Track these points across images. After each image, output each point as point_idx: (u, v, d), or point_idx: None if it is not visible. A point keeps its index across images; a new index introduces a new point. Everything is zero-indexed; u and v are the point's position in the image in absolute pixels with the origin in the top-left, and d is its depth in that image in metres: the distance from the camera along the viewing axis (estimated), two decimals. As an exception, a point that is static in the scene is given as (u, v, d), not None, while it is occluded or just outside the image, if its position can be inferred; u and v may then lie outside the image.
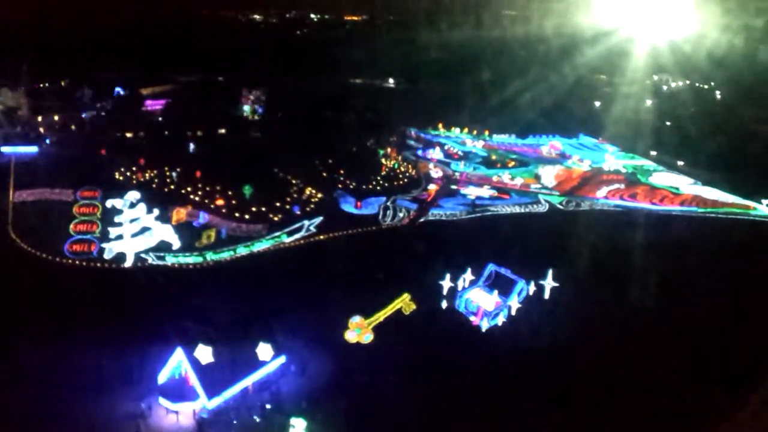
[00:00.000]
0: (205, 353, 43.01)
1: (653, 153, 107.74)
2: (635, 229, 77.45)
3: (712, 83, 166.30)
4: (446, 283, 60.39)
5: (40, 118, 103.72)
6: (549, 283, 60.89)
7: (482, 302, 57.74)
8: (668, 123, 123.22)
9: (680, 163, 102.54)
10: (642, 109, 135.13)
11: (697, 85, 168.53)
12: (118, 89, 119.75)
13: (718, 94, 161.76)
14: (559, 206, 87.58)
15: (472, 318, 57.26)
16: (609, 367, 49.85)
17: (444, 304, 58.95)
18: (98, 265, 63.21)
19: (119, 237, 66.58)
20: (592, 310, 58.09)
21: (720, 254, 72.19)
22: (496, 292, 58.33)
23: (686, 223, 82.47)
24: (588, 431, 42.47)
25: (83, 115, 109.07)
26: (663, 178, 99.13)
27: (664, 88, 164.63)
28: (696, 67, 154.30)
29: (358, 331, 53.15)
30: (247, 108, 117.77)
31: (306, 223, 74.07)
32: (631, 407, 44.62)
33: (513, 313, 57.89)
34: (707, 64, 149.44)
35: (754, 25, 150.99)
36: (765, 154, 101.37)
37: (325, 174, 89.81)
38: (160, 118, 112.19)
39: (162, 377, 44.38)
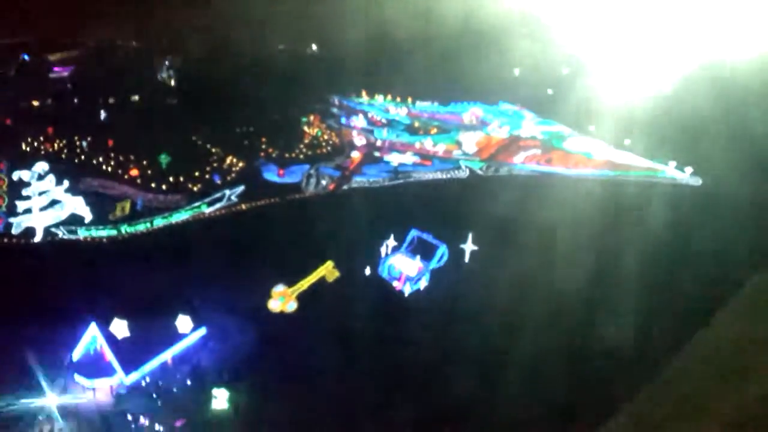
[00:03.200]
0: (120, 327, 42.05)
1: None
2: (549, 193, 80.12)
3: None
4: (369, 250, 61.04)
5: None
6: (469, 246, 62.48)
7: (405, 268, 58.81)
8: (583, 88, 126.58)
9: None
10: (559, 75, 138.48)
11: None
12: (23, 55, 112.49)
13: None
14: (479, 172, 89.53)
15: (395, 283, 58.26)
16: (524, 325, 51.75)
17: (367, 271, 59.64)
18: (5, 240, 60.32)
19: (27, 211, 63.53)
20: (510, 271, 59.85)
21: (629, 216, 75.60)
22: (418, 257, 59.51)
23: (597, 186, 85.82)
24: (509, 391, 43.81)
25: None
26: (577, 143, 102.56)
27: (580, 56, 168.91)
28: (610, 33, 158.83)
29: (282, 299, 53.22)
30: (161, 73, 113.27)
31: (227, 192, 72.66)
32: (550, 368, 46.61)
33: (435, 277, 59.31)
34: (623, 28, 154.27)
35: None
36: (671, 118, 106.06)
37: (246, 142, 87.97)
38: (68, 85, 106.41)
39: (76, 354, 43.19)
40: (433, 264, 59.52)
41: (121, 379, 41.52)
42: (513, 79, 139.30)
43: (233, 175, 77.67)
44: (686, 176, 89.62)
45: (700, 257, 63.42)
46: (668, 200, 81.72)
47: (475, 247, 62.39)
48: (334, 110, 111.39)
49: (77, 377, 41.87)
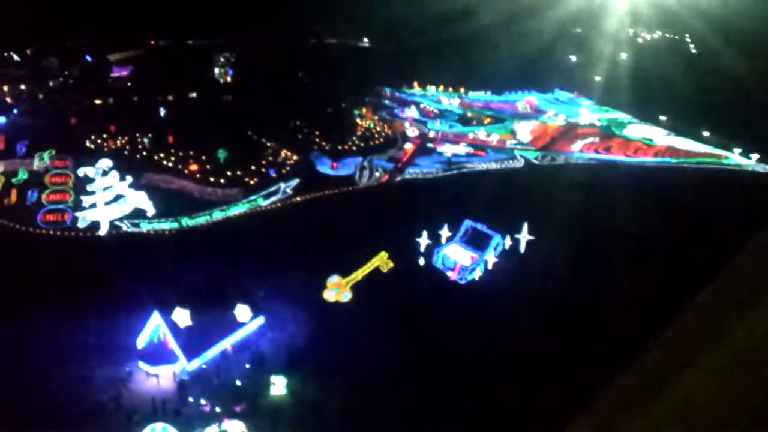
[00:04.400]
0: (182, 316, 43.19)
1: (663, 118, 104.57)
2: (608, 182, 78.15)
3: (687, 35, 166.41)
4: (423, 241, 60.89)
5: (6, 88, 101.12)
6: (524, 236, 61.60)
7: (459, 258, 58.42)
8: (644, 75, 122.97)
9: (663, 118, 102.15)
10: (617, 61, 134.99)
11: (672, 36, 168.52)
12: (85, 56, 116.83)
13: (692, 48, 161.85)
14: (534, 161, 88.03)
15: (449, 273, 57.95)
16: (581, 316, 50.75)
17: (421, 261, 59.56)
18: (72, 234, 62.76)
19: (93, 205, 65.92)
20: (567, 261, 58.71)
21: (693, 205, 73.05)
22: (472, 247, 59.08)
23: (659, 174, 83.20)
24: (570, 381, 43.07)
25: (50, 84, 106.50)
26: (637, 130, 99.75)
27: (639, 40, 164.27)
28: (671, 19, 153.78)
29: (337, 290, 53.60)
30: (217, 70, 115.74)
31: (282, 185, 73.72)
32: (611, 356, 45.44)
33: (489, 267, 58.73)
34: (683, 16, 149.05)
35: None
36: (738, 104, 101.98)
37: (300, 136, 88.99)
38: (129, 84, 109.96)
39: (140, 342, 44.60)
40: (488, 254, 58.92)
41: (184, 365, 42.65)
42: (569, 65, 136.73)
43: (288, 168, 78.72)
44: (752, 163, 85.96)
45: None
46: (734, 188, 78.60)
47: (531, 237, 61.46)
48: (386, 102, 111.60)
49: (141, 364, 43.21)
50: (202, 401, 40.33)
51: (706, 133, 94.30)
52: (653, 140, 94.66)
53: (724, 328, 4.27)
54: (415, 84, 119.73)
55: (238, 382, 42.56)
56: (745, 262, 4.27)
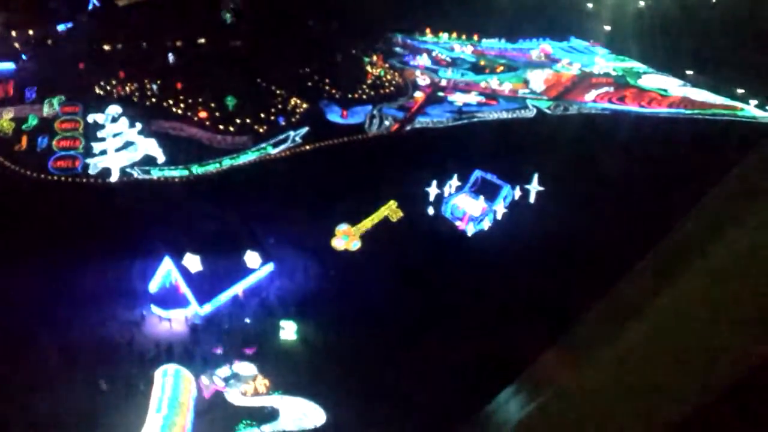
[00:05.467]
0: (193, 262, 43.77)
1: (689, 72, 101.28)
2: (621, 132, 77.23)
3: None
4: (432, 190, 60.86)
5: (14, 33, 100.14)
6: (534, 187, 61.38)
7: (468, 207, 58.45)
8: (661, 23, 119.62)
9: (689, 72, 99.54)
10: (634, 9, 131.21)
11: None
12: (92, 1, 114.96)
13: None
14: (546, 111, 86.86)
15: (458, 223, 58.11)
16: (592, 265, 50.82)
17: (430, 211, 59.67)
18: (84, 180, 63.17)
19: (103, 152, 66.12)
20: (577, 212, 58.64)
21: (707, 156, 72.14)
22: (482, 197, 58.94)
23: (672, 125, 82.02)
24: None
25: (59, 29, 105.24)
26: (652, 80, 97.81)
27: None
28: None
29: (346, 238, 54.02)
30: (227, 15, 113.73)
31: (291, 133, 73.46)
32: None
33: (498, 217, 58.77)
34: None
35: None
36: (755, 55, 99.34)
37: (310, 83, 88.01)
38: (137, 30, 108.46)
39: (153, 286, 45.38)
40: (497, 204, 58.87)
41: (196, 310, 43.49)
42: (585, 13, 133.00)
43: (297, 116, 78.23)
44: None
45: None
46: (748, 140, 77.38)
47: (541, 188, 61.22)
48: (398, 49, 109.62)
49: (154, 308, 44.08)
50: (214, 344, 41.24)
51: (722, 84, 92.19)
52: (668, 91, 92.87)
53: (696, 254, 4.40)
54: (428, 31, 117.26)
55: (249, 327, 43.42)
56: (726, 188, 4.41)
